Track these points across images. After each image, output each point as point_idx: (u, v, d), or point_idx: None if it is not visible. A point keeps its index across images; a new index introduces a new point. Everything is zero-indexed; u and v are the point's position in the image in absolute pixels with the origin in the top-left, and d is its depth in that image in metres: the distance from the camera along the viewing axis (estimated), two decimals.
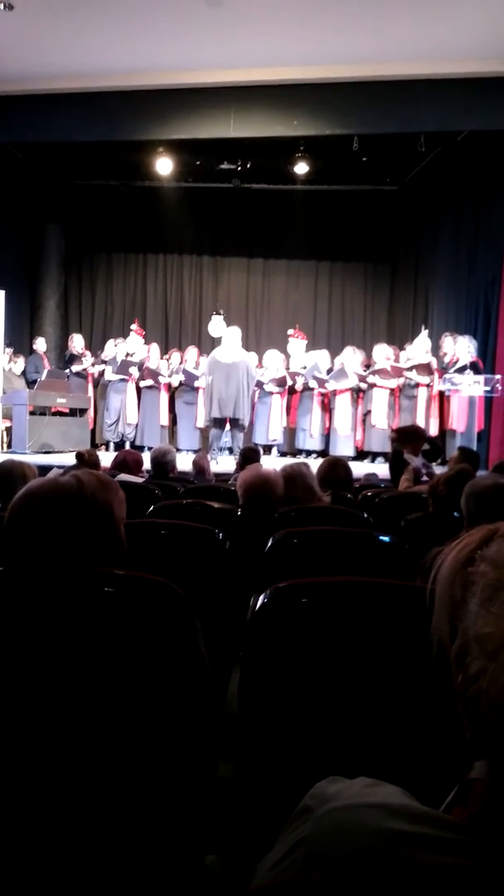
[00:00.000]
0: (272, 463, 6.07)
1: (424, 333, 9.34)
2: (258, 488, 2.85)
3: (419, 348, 9.14)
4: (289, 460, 9.13)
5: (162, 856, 1.03)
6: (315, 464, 3.55)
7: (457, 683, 0.57)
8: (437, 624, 0.61)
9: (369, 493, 3.67)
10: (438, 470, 5.06)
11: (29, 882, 1.01)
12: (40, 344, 10.47)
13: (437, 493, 2.83)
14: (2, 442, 8.86)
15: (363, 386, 9.34)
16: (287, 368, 9.76)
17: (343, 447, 9.19)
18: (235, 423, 8.82)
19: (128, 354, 10.01)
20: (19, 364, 9.70)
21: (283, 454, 9.84)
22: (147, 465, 4.79)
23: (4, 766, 1.05)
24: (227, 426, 8.90)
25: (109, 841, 1.03)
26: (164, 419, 9.84)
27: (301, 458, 9.43)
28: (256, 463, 3.73)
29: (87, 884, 1.01)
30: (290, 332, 10.43)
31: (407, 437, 5.15)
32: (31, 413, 8.48)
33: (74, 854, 1.02)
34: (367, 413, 9.33)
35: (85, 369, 10.26)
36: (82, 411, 9.78)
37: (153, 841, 1.03)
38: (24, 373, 10.06)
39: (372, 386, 9.24)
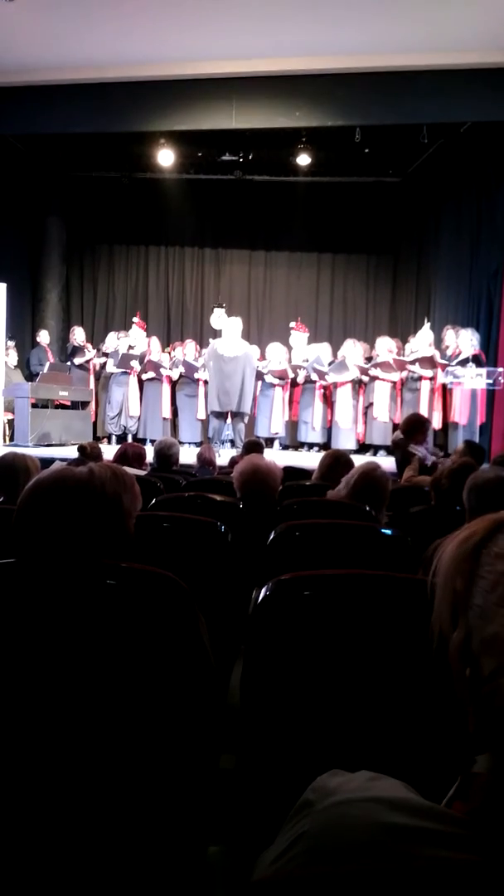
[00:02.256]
0: (274, 456, 6.07)
1: (427, 326, 9.33)
2: (253, 478, 2.84)
3: (422, 341, 9.11)
4: (290, 454, 9.24)
5: (164, 847, 1.03)
6: (317, 457, 3.54)
7: (463, 677, 0.57)
8: (439, 615, 0.60)
9: None
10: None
11: (32, 872, 1.01)
12: (44, 336, 10.46)
13: (439, 487, 2.82)
14: (4, 435, 8.88)
15: (364, 379, 9.32)
16: (289, 361, 9.75)
17: (345, 440, 9.19)
18: (237, 415, 8.82)
19: (130, 347, 10.01)
20: (12, 357, 9.69)
21: (284, 447, 9.84)
22: (150, 457, 4.79)
23: (6, 754, 1.05)
24: (229, 418, 8.90)
25: (112, 832, 1.03)
26: (167, 412, 9.83)
27: (303, 452, 9.46)
28: (253, 453, 3.70)
29: (89, 875, 1.01)
30: (292, 324, 10.41)
31: (412, 431, 5.15)
32: (34, 406, 8.48)
33: (77, 845, 1.02)
34: (368, 406, 9.32)
35: (87, 361, 10.25)
36: (84, 404, 9.79)
37: (156, 832, 1.04)
38: (27, 365, 10.08)
39: (374, 379, 9.22)
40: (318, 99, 8.00)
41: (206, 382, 9.35)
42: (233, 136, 9.42)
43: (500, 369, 7.76)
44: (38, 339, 10.51)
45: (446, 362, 8.63)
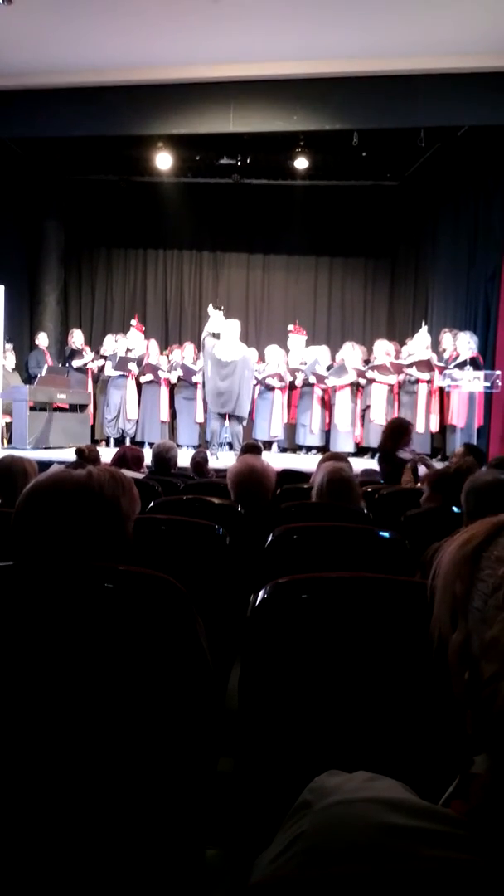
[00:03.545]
0: (272, 459, 6.06)
1: (424, 329, 9.34)
2: (248, 478, 2.85)
3: (419, 344, 9.13)
4: (289, 456, 9.24)
5: (163, 850, 1.03)
6: (315, 460, 3.54)
7: (461, 680, 0.57)
8: (438, 617, 0.61)
9: (369, 489, 3.66)
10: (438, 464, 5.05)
11: (31, 875, 1.01)
12: (42, 339, 10.46)
13: (445, 486, 2.80)
14: (2, 437, 8.87)
15: (362, 382, 9.34)
16: (287, 364, 9.76)
17: (343, 443, 9.20)
18: (234, 418, 8.82)
19: (128, 350, 10.01)
20: (10, 359, 9.69)
21: (283, 450, 9.85)
22: (148, 460, 4.78)
23: (5, 757, 1.05)
24: (227, 421, 8.90)
25: (110, 835, 1.03)
26: (165, 415, 9.83)
27: (301, 455, 9.46)
28: (248, 454, 3.70)
29: (88, 878, 1.01)
30: (290, 327, 10.42)
31: (397, 436, 5.10)
32: (32, 408, 8.48)
33: (75, 848, 1.02)
34: (366, 408, 9.33)
35: (85, 364, 10.25)
36: (82, 407, 9.78)
37: (154, 835, 1.04)
38: (25, 367, 10.07)
39: (371, 382, 9.23)
40: (316, 103, 8.01)
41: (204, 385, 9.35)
42: (231, 140, 9.44)
43: (498, 372, 7.77)
44: (36, 341, 10.50)
45: (443, 365, 8.64)
